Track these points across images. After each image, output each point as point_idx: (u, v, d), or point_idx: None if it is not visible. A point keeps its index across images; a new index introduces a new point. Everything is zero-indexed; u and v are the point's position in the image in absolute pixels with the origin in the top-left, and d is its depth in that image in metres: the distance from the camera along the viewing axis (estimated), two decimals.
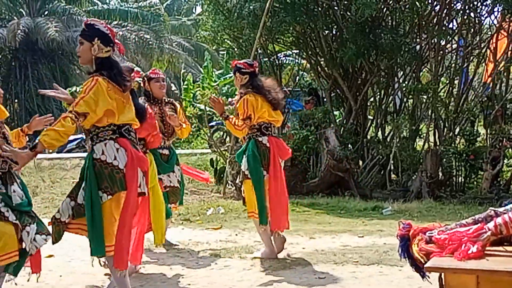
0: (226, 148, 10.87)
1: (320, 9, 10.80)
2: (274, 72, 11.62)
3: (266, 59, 11.72)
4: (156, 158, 5.70)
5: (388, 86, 11.21)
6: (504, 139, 9.78)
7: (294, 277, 5.16)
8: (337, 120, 11.65)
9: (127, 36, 24.90)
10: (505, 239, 2.71)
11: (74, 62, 25.73)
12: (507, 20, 10.24)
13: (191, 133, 15.18)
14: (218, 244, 6.62)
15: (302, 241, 6.62)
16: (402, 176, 10.20)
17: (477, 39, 10.77)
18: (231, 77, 13.30)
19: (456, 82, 11.02)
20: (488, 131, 10.23)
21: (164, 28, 26.96)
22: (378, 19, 10.73)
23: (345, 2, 10.84)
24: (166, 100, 6.23)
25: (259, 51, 11.22)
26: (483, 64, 11.02)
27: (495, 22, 10.66)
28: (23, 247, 4.16)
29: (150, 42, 25.32)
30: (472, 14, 10.63)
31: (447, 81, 11.12)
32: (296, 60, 14.07)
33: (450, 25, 10.97)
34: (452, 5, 10.64)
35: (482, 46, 10.77)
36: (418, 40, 10.95)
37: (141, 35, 25.52)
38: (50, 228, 4.11)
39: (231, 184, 10.41)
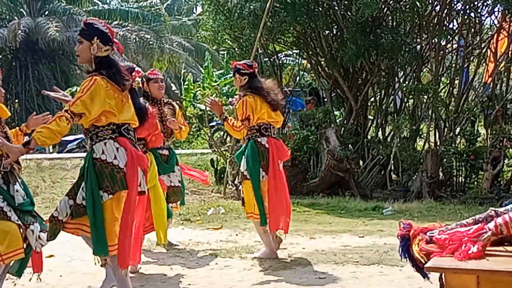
0: (226, 148, 10.87)
1: (320, 9, 10.79)
2: (274, 72, 11.61)
3: (267, 59, 11.71)
4: (156, 158, 5.69)
5: (389, 86, 11.21)
6: (505, 139, 9.77)
7: (294, 277, 5.15)
8: (338, 120, 11.64)
9: (128, 36, 24.91)
10: (506, 239, 2.71)
11: (74, 62, 25.69)
12: (508, 20, 10.23)
13: (191, 133, 15.24)
14: (219, 244, 6.62)
15: (303, 241, 6.62)
16: (403, 176, 10.20)
17: (478, 39, 10.77)
18: (231, 77, 13.21)
19: (456, 82, 11.01)
20: (489, 131, 10.22)
21: (164, 28, 26.95)
22: (378, 19, 10.73)
23: (346, 2, 10.84)
24: (165, 101, 6.23)
25: (260, 51, 11.22)
26: (484, 64, 11.00)
27: (496, 22, 10.66)
28: (26, 246, 4.15)
29: (151, 42, 25.31)
30: (472, 14, 10.62)
31: (448, 81, 11.12)
32: (297, 60, 14.04)
33: (451, 25, 10.95)
34: (453, 5, 10.64)
35: (482, 46, 10.76)
36: (418, 40, 10.95)
37: (142, 35, 25.51)
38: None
39: (231, 184, 10.40)
